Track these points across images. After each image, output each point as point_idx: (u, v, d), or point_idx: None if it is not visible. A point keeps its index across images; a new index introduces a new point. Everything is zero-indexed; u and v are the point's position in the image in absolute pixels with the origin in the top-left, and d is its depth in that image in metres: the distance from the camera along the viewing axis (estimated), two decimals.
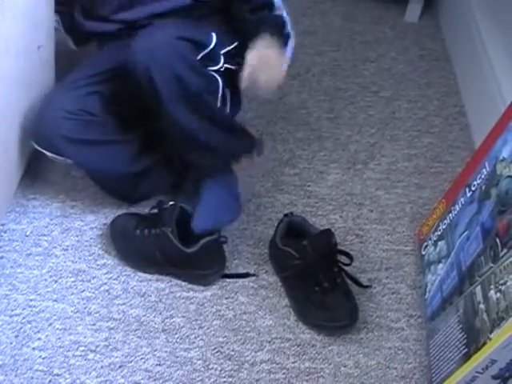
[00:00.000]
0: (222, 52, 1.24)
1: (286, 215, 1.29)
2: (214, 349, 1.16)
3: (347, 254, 1.23)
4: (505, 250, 1.03)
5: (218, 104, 1.26)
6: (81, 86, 1.27)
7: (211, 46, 1.20)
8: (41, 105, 1.26)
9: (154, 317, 1.20)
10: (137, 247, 1.25)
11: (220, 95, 1.26)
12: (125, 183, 1.35)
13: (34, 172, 1.42)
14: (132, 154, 1.31)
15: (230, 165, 1.32)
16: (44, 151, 1.28)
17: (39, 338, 1.15)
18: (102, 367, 1.12)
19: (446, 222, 1.26)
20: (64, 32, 1.39)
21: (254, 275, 1.26)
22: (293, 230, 1.27)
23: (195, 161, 1.30)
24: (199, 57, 1.19)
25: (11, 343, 1.14)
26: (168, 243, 1.21)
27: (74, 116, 1.23)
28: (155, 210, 1.26)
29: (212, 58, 1.21)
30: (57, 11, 1.34)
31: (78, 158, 1.28)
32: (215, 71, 1.23)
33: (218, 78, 1.24)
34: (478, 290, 1.06)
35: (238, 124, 1.30)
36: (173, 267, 1.24)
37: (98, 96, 1.27)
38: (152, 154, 1.34)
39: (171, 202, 1.25)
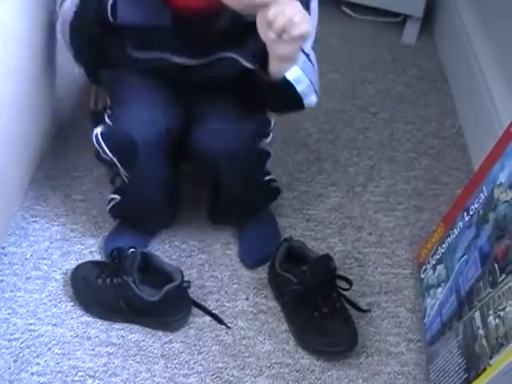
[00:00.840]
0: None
1: (285, 240, 1.29)
2: (213, 374, 1.16)
3: (346, 279, 1.23)
4: (503, 276, 1.03)
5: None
6: (159, 103, 1.20)
7: (269, 130, 1.25)
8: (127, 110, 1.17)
9: (153, 342, 1.19)
10: (100, 297, 1.21)
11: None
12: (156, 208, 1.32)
13: (35, 195, 1.42)
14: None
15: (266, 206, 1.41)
16: (103, 144, 1.17)
17: (38, 363, 1.14)
18: None
19: (444, 245, 1.27)
20: (89, 81, 1.39)
21: (221, 322, 1.23)
22: (292, 254, 1.27)
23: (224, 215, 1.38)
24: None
25: (9, 368, 1.13)
26: (131, 292, 1.17)
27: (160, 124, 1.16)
28: (116, 260, 1.22)
29: (266, 134, 1.26)
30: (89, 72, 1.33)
31: (146, 168, 1.20)
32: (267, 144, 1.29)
33: (270, 151, 1.29)
34: (477, 315, 1.06)
35: (273, 182, 1.38)
36: (138, 316, 1.20)
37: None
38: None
39: (132, 250, 1.21)
